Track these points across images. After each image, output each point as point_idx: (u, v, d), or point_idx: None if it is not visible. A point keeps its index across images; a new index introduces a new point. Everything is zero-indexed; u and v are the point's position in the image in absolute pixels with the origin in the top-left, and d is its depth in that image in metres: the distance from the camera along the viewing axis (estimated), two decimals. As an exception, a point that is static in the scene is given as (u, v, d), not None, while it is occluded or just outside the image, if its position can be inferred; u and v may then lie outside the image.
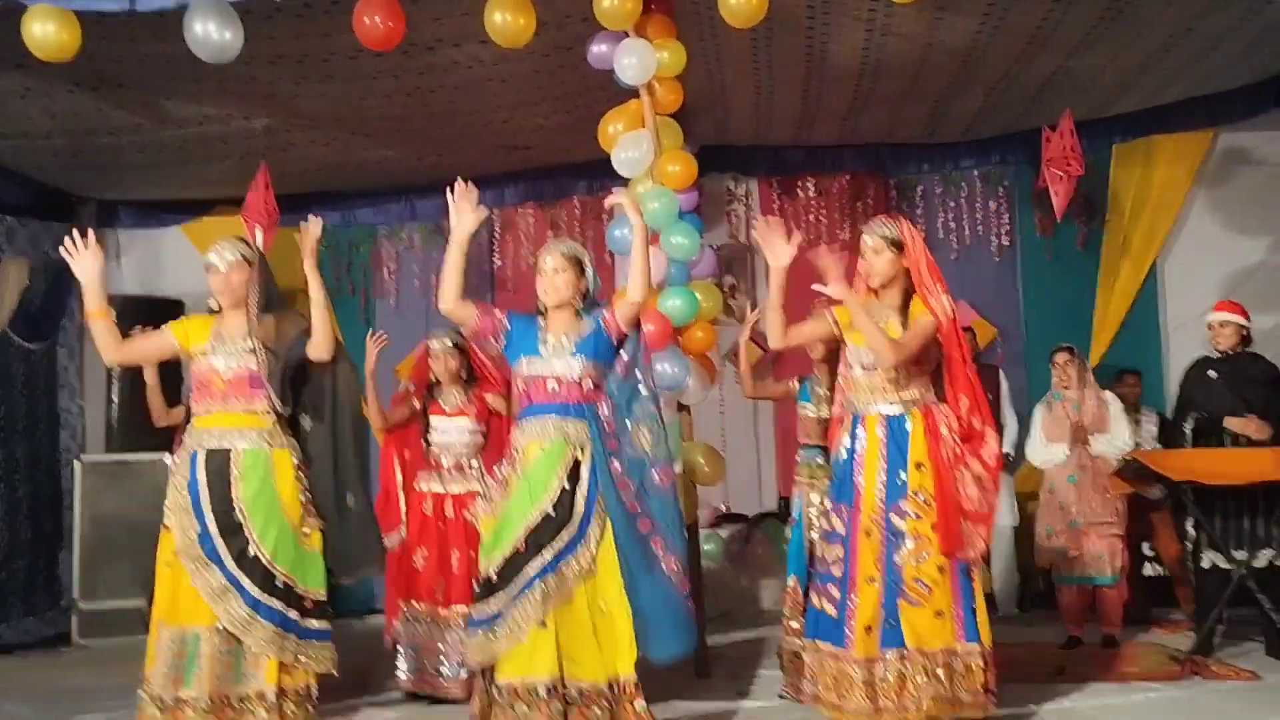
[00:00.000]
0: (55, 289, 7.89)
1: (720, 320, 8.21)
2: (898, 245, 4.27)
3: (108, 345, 4.46)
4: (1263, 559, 5.51)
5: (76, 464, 7.68)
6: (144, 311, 6.52)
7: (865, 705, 3.98)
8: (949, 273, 7.81)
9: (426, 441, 5.52)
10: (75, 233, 4.47)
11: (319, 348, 4.47)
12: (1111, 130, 7.79)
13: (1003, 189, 8.17)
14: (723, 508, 8.02)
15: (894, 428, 4.18)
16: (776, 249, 4.26)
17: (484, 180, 8.06)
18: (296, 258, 8.19)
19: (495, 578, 4.19)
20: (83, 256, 4.42)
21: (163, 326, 4.54)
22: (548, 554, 4.15)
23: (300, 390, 4.53)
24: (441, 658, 5.25)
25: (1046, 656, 5.56)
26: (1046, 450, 6.24)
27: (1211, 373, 5.91)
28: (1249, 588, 5.45)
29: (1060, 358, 6.31)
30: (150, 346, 4.61)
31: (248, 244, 4.58)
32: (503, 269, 8.48)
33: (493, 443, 5.49)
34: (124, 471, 7.45)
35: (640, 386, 4.37)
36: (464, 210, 4.37)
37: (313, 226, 4.52)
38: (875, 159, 8.21)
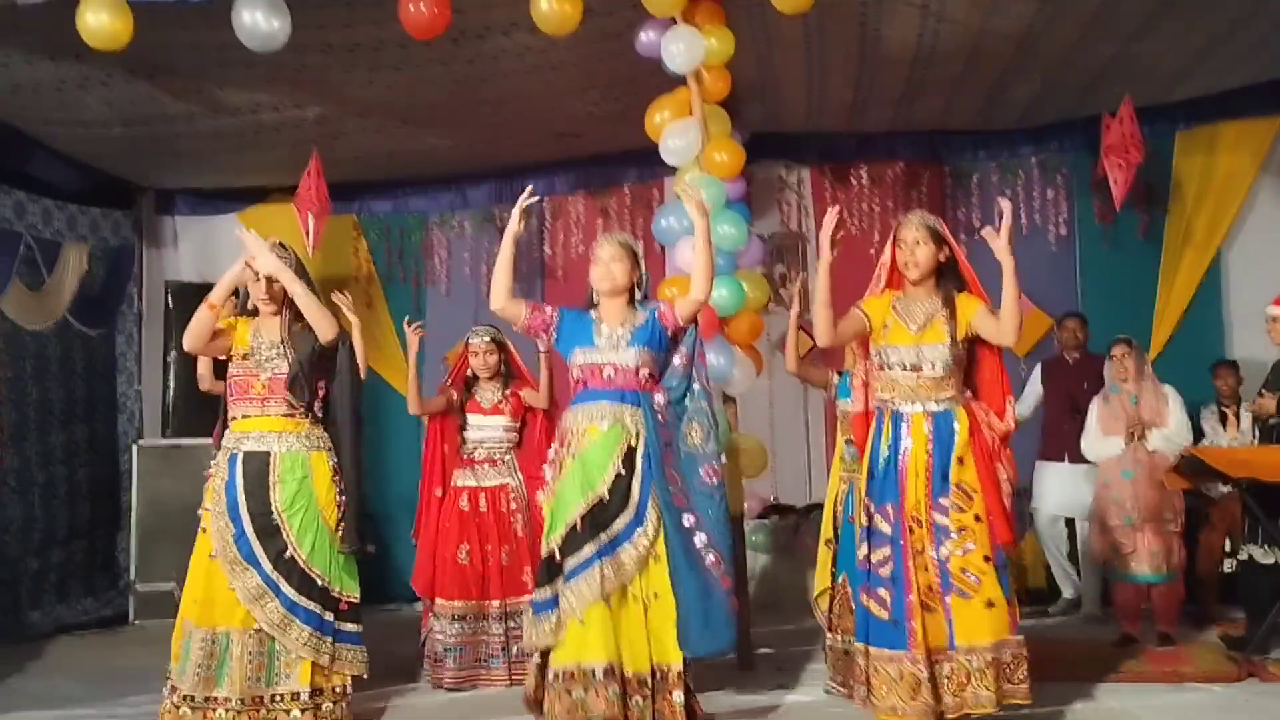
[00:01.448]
0: (114, 276, 8.03)
1: (771, 310, 8.22)
2: (938, 238, 4.21)
3: (200, 334, 4.44)
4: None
5: (134, 448, 7.82)
6: (200, 297, 6.58)
7: (930, 704, 3.92)
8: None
9: (462, 438, 5.57)
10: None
11: (321, 330, 4.44)
12: (1174, 117, 7.60)
13: (1061, 177, 8.00)
14: (771, 498, 7.97)
15: (940, 425, 4.13)
16: (822, 245, 4.21)
17: (534, 168, 8.26)
18: (347, 245, 8.45)
19: (556, 558, 4.20)
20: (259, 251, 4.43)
21: (225, 324, 4.53)
22: (604, 537, 4.16)
23: (330, 379, 4.56)
24: (483, 652, 5.28)
25: (1098, 654, 5.45)
26: (1103, 443, 6.12)
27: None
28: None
29: (1118, 350, 6.19)
30: (222, 342, 4.56)
31: (285, 247, 4.56)
32: (553, 257, 8.46)
33: (527, 440, 5.54)
34: (180, 455, 7.55)
35: (695, 383, 4.39)
36: (516, 213, 4.40)
37: (250, 238, 4.48)
38: (930, 146, 8.08)
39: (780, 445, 7.96)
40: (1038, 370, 6.30)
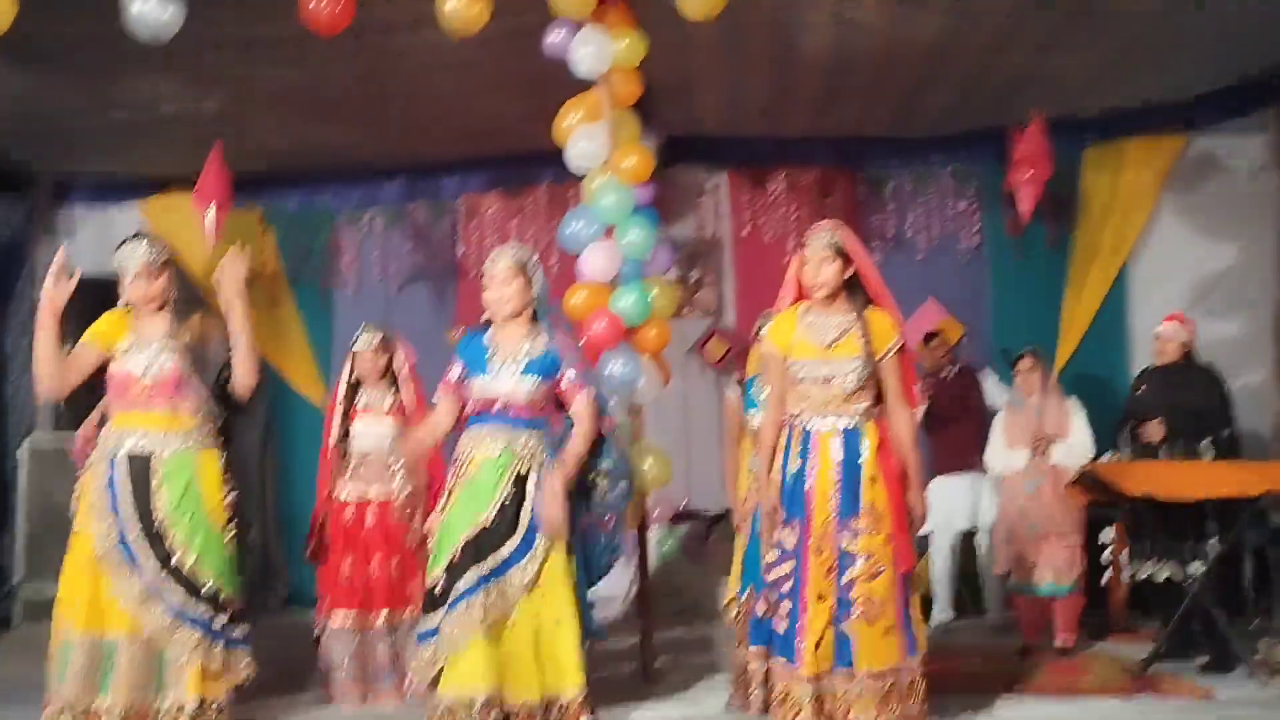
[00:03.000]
0: (5, 268, 7.75)
1: (685, 315, 8.19)
2: (843, 254, 4.17)
3: (54, 370, 4.17)
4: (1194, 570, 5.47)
5: (23, 447, 7.54)
6: (98, 291, 6.36)
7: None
8: (917, 272, 7.95)
9: (343, 449, 5.27)
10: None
11: (240, 384, 4.28)
12: (1083, 132, 7.69)
13: (973, 188, 8.06)
14: (683, 504, 7.92)
15: (850, 442, 4.09)
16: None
17: (447, 165, 8.14)
18: (252, 240, 8.21)
19: (438, 589, 4.12)
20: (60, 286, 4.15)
21: (80, 343, 4.27)
22: (486, 566, 4.10)
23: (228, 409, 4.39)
24: (372, 668, 5.14)
25: (997, 667, 5.47)
26: (1006, 456, 6.16)
27: (1143, 387, 6.05)
28: (1202, 602, 5.39)
29: (1024, 363, 6.24)
30: (84, 365, 4.26)
31: (157, 243, 4.32)
32: (466, 257, 8.32)
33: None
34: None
35: (614, 449, 4.44)
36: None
37: (236, 262, 4.28)
38: (846, 153, 8.09)
39: (694, 451, 7.91)
40: (1000, 414, 6.31)
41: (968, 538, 7.07)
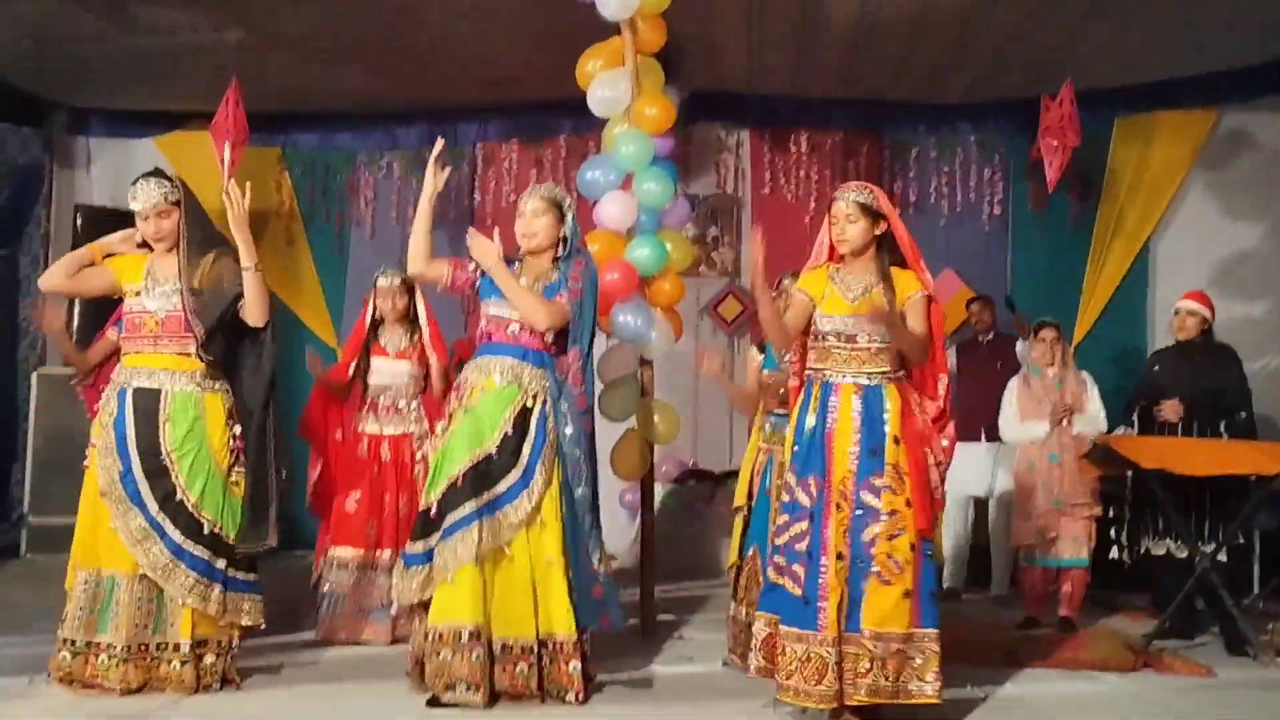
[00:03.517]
0: (20, 195, 7.73)
1: (702, 273, 8.13)
2: (872, 213, 4.08)
3: (65, 272, 4.25)
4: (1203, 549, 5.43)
5: (33, 376, 7.54)
6: (112, 223, 6.33)
7: (836, 689, 3.79)
8: (938, 239, 7.86)
9: (365, 383, 5.36)
10: None
11: (251, 314, 4.27)
12: (1114, 104, 7.59)
13: (999, 157, 7.97)
14: (690, 463, 7.89)
15: (870, 398, 3.99)
16: (756, 275, 4.09)
17: (467, 112, 8.06)
18: (268, 177, 8.17)
19: (433, 512, 4.08)
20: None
21: (104, 263, 4.30)
22: (486, 496, 4.06)
23: (238, 345, 4.34)
24: (368, 603, 5.14)
25: (1000, 638, 5.44)
26: (1024, 427, 6.08)
27: (1157, 366, 5.95)
28: (1211, 581, 5.34)
29: (1048, 334, 6.14)
30: (94, 281, 4.30)
31: (170, 181, 4.30)
32: (483, 205, 8.27)
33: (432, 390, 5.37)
34: (81, 386, 7.28)
35: (573, 390, 4.27)
36: (435, 174, 4.24)
37: (240, 196, 4.23)
38: (871, 117, 8.00)
39: (703, 411, 7.89)
40: (1013, 383, 6.20)
41: (980, 508, 7.02)
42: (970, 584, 7.01)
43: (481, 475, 4.06)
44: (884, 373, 4.03)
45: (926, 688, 3.84)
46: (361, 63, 6.89)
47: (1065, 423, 5.95)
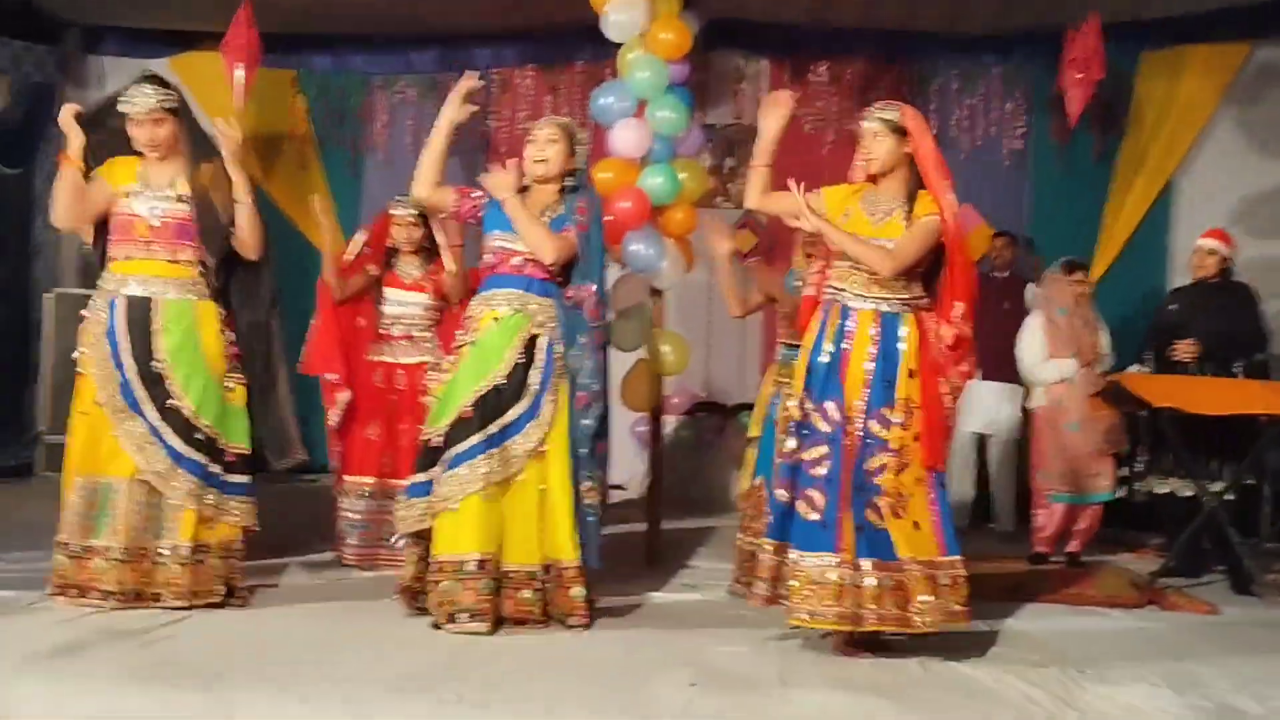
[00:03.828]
0: (35, 113, 7.67)
1: (717, 204, 8.05)
2: (900, 131, 3.99)
3: (71, 202, 4.15)
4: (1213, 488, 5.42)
5: (48, 296, 7.56)
6: (126, 143, 6.31)
7: (853, 611, 3.78)
8: (957, 174, 7.63)
9: (380, 312, 5.35)
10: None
11: (245, 247, 4.26)
12: (1142, 37, 7.43)
13: (1021, 91, 7.82)
14: (701, 395, 7.89)
15: (887, 327, 3.94)
16: (770, 117, 4.07)
17: (482, 36, 7.94)
18: (281, 100, 8.10)
19: (440, 442, 4.09)
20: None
21: (93, 174, 4.20)
22: (494, 428, 4.07)
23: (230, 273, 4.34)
24: (385, 530, 5.17)
25: (1007, 574, 5.44)
26: (1055, 366, 5.97)
27: (1174, 305, 5.88)
28: (1219, 520, 5.34)
29: (1080, 274, 6.05)
30: (97, 196, 4.22)
31: (167, 87, 4.23)
32: (497, 132, 8.18)
33: (446, 319, 5.35)
34: (96, 306, 7.30)
35: (585, 318, 4.26)
36: (456, 102, 4.20)
37: (231, 130, 4.18)
38: (892, 46, 7.85)
39: (715, 343, 7.87)
40: (1035, 321, 6.09)
41: (980, 445, 7.00)
42: (975, 521, 7.02)
43: (489, 406, 4.07)
44: (904, 299, 3.98)
45: (955, 609, 3.83)
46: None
47: (1095, 363, 5.90)
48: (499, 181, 4.17)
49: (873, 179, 4.06)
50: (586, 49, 7.83)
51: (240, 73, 6.71)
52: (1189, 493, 5.53)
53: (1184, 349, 5.66)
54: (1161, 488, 5.71)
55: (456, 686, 3.31)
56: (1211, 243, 5.79)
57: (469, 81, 4.22)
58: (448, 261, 5.29)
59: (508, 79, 8.18)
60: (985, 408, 6.81)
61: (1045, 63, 7.47)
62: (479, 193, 4.29)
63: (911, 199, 3.97)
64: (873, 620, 3.80)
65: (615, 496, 6.40)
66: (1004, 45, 7.76)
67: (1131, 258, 7.58)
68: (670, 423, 7.64)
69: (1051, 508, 5.96)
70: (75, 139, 4.08)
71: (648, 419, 5.71)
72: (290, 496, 6.39)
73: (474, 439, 4.04)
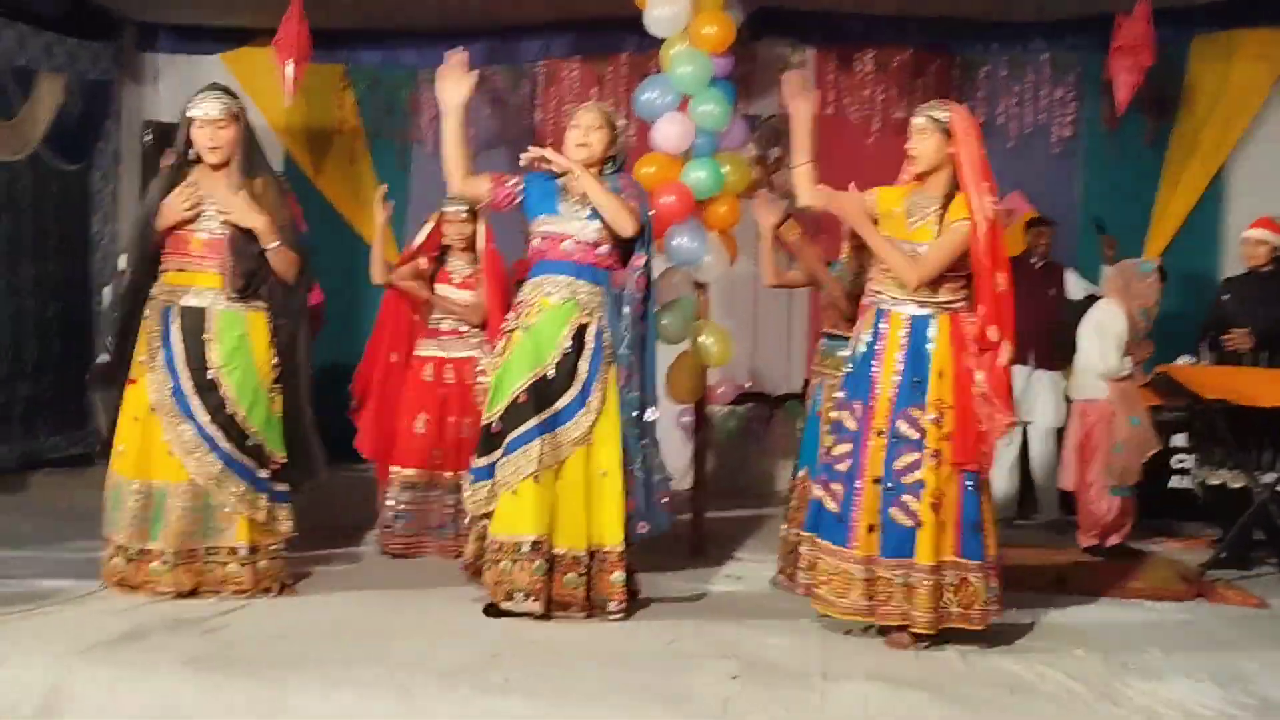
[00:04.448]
0: (92, 110, 7.81)
1: (764, 194, 8.04)
2: (947, 131, 4.00)
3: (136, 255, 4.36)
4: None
5: (106, 289, 7.72)
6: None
7: (862, 604, 3.89)
8: (1006, 161, 7.66)
9: (430, 308, 5.46)
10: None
11: (284, 275, 4.38)
12: (1192, 21, 7.31)
13: (1072, 76, 7.71)
14: (747, 385, 7.91)
15: (917, 330, 3.99)
16: (798, 108, 4.17)
17: (528, 30, 7.99)
18: (333, 96, 8.20)
19: (497, 426, 4.18)
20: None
21: (166, 201, 4.31)
22: (546, 414, 4.15)
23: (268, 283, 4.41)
24: (431, 520, 5.27)
25: (1051, 565, 5.42)
26: (1128, 361, 5.74)
27: (1227, 295, 5.84)
28: (1270, 513, 5.29)
29: (1159, 276, 5.94)
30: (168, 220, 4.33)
31: (234, 96, 4.37)
32: (544, 124, 8.21)
33: (495, 319, 5.41)
34: (152, 299, 7.44)
35: (625, 305, 4.31)
36: (453, 77, 4.22)
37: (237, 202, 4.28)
38: (940, 34, 7.77)
39: (761, 333, 7.88)
40: (1112, 307, 5.98)
41: (1023, 436, 6.94)
42: (1019, 511, 6.99)
43: (540, 393, 4.16)
44: (937, 302, 4.00)
45: (972, 614, 3.88)
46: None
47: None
48: (562, 158, 4.23)
49: (920, 178, 4.07)
50: (632, 40, 7.83)
51: (290, 68, 6.80)
52: (1240, 484, 5.49)
53: (1238, 338, 5.60)
54: (1213, 479, 5.67)
55: (504, 674, 3.39)
56: (1260, 232, 5.75)
57: (457, 56, 4.23)
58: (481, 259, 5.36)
59: (554, 71, 8.20)
60: (1029, 397, 6.76)
61: (1095, 48, 7.38)
62: (514, 179, 4.35)
63: (948, 201, 3.99)
64: (888, 614, 3.88)
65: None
66: (1052, 31, 7.67)
67: (1184, 244, 7.47)
68: (716, 413, 7.68)
69: (1112, 500, 5.90)
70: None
71: (692, 410, 5.74)
72: (331, 486, 6.49)
73: (529, 423, 4.14)
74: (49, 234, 7.60)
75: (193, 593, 4.22)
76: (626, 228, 4.20)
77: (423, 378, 5.38)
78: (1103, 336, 5.94)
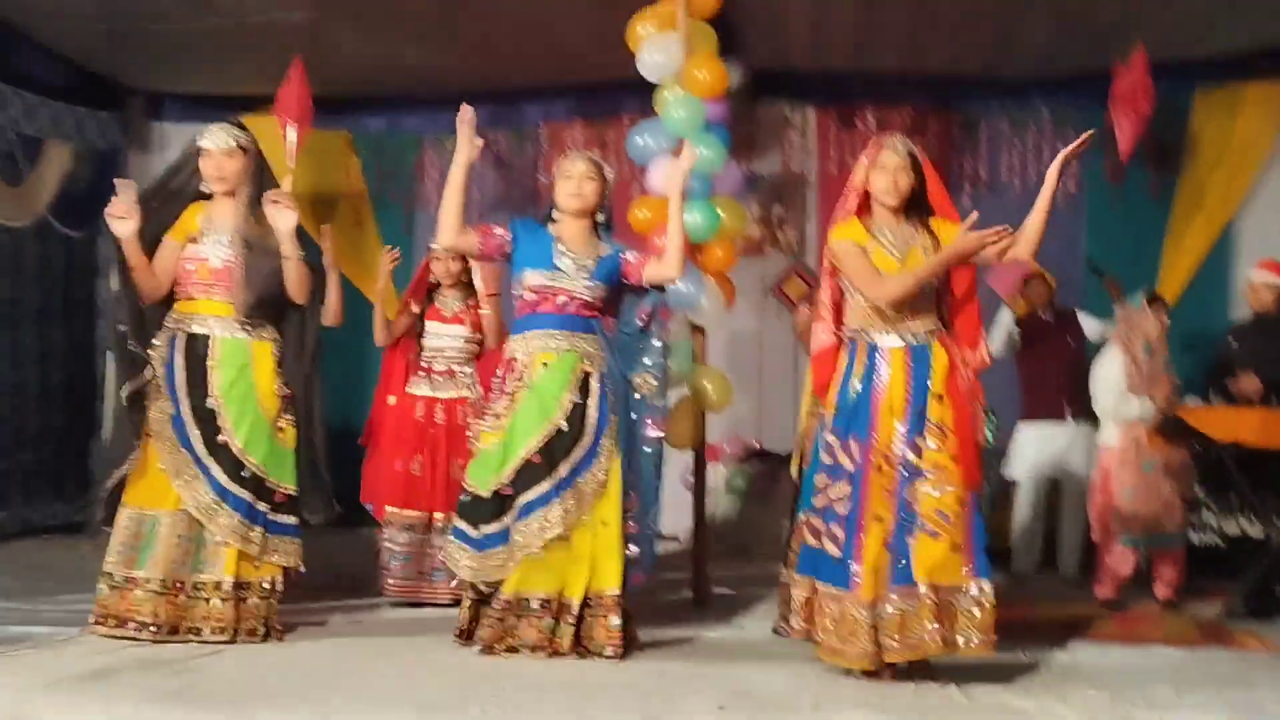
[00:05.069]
0: (100, 178, 7.87)
1: (767, 253, 8.04)
2: (918, 166, 4.02)
3: (154, 287, 4.33)
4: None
5: (110, 353, 7.70)
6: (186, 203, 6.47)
7: (870, 649, 3.74)
8: (1009, 217, 7.55)
9: (420, 345, 5.46)
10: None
11: (291, 293, 4.38)
12: (1194, 75, 7.32)
13: (1073, 132, 7.57)
14: (755, 444, 7.80)
15: (918, 357, 3.94)
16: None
17: (531, 93, 8.07)
18: (339, 161, 8.26)
19: (507, 490, 4.09)
20: (120, 211, 4.26)
21: (163, 241, 4.37)
22: (564, 469, 4.08)
23: (282, 312, 4.43)
24: (427, 564, 5.18)
25: (1063, 615, 5.25)
26: (1136, 403, 5.67)
27: (1235, 341, 5.80)
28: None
29: (1157, 306, 5.90)
30: (169, 261, 4.36)
31: (245, 130, 4.42)
32: (548, 185, 8.24)
33: (485, 355, 5.41)
34: (156, 363, 7.43)
35: (655, 340, 4.35)
36: (466, 141, 4.25)
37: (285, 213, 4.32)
38: (940, 92, 7.82)
39: (768, 392, 7.80)
40: (1113, 352, 5.91)
41: (1053, 489, 6.80)
42: (1040, 567, 6.80)
43: (554, 449, 4.09)
44: (929, 330, 3.96)
45: (975, 639, 3.73)
46: (424, 38, 6.93)
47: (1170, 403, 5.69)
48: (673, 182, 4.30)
49: (894, 210, 4.03)
50: (633, 102, 7.87)
51: (292, 132, 6.84)
52: (1254, 533, 5.34)
53: (1246, 383, 5.49)
54: (1231, 528, 5.52)
55: (483, 706, 3.26)
56: (1265, 275, 5.70)
57: (467, 114, 4.24)
58: (484, 308, 5.36)
59: (556, 133, 8.27)
60: (1052, 450, 6.63)
61: (1095, 104, 7.35)
62: (501, 230, 4.34)
63: (925, 228, 4.00)
64: (895, 651, 3.73)
65: (666, 548, 6.33)
66: (1052, 88, 7.69)
67: (1193, 297, 7.40)
68: (723, 471, 7.58)
69: (1124, 551, 5.75)
70: (123, 228, 4.23)
71: (694, 469, 5.64)
72: (334, 545, 6.39)
73: (544, 485, 4.06)
74: (54, 300, 7.64)
75: (173, 629, 4.11)
76: (678, 273, 4.30)
77: (414, 416, 5.34)
78: (1101, 380, 5.88)
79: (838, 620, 3.80)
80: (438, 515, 5.24)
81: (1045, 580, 6.56)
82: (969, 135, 7.89)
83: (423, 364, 5.44)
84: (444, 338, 5.42)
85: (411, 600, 5.20)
